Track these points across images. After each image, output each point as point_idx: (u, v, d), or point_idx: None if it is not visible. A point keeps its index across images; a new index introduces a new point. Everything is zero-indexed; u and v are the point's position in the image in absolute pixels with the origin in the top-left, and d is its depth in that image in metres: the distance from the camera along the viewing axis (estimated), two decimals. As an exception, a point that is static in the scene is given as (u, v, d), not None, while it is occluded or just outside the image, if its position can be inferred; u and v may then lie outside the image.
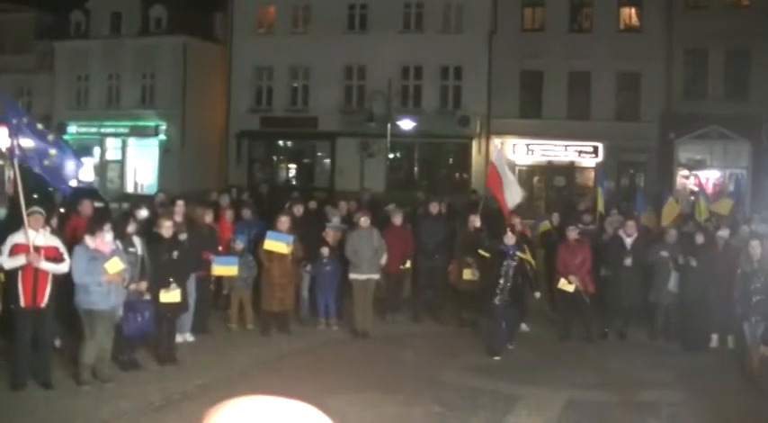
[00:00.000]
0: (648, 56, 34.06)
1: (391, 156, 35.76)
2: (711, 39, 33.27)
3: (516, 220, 14.46)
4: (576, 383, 11.30)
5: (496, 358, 12.39)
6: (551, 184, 36.02)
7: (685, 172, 34.80)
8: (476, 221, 14.70)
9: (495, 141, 32.61)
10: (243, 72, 39.10)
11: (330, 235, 14.36)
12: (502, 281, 12.70)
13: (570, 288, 13.67)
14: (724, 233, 14.31)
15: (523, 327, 14.09)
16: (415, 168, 37.56)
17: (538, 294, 13.86)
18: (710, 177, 33.66)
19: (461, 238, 14.95)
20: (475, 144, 35.55)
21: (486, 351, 12.84)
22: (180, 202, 13.55)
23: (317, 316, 14.39)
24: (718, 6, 33.74)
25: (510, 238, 12.95)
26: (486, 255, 13.75)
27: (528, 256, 13.47)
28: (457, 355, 12.75)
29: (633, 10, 36.22)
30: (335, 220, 15.43)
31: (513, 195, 14.92)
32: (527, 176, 35.95)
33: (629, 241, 14.09)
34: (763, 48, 33.17)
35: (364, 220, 14.14)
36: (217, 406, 1.37)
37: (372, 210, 16.15)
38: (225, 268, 13.53)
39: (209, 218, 13.65)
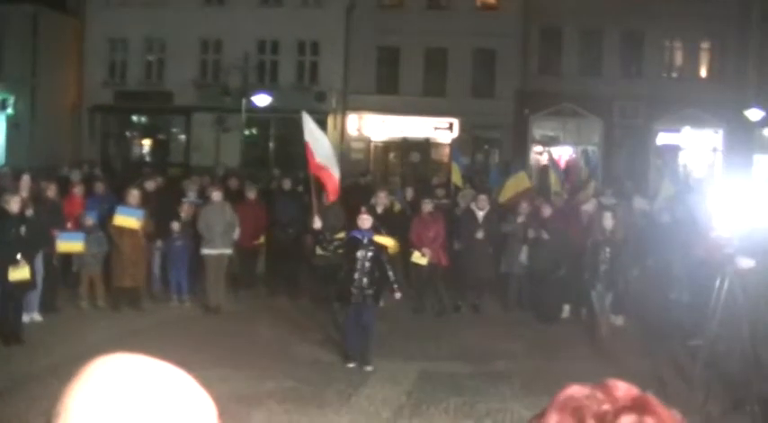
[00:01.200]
0: (504, 34, 34.48)
1: (247, 131, 35.33)
2: (566, 17, 34.01)
3: (382, 195, 14.51)
4: (429, 355, 11.41)
5: (350, 365, 10.83)
6: (407, 159, 36.28)
7: (539, 148, 35.53)
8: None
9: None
10: (96, 44, 37.74)
11: (185, 210, 14.18)
12: (357, 275, 10.94)
13: (423, 261, 13.80)
14: (588, 207, 14.77)
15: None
16: (271, 144, 37.16)
17: (398, 295, 11.51)
18: (563, 153, 34.56)
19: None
20: (331, 119, 35.43)
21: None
22: (25, 177, 13.11)
23: (170, 292, 14.14)
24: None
25: (365, 221, 11.25)
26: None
27: (386, 241, 12.11)
28: (311, 329, 12.71)
29: (490, -12, 36.72)
30: (192, 195, 15.25)
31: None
32: (382, 152, 36.19)
33: (480, 215, 14.30)
34: (615, 27, 34.20)
35: (216, 195, 14.01)
36: (84, 370, 1.29)
37: (225, 184, 16.02)
38: (70, 244, 13.14)
39: (51, 192, 13.23)
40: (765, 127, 34.81)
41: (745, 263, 10.03)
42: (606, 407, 1.26)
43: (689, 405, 8.57)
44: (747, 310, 9.32)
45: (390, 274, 11.13)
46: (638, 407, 1.27)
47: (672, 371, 10.67)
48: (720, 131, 35.66)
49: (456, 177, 17.98)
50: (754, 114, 33.23)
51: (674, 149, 35.85)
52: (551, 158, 25.68)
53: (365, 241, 11.07)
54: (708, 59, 36.43)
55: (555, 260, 13.56)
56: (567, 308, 13.95)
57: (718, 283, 10.09)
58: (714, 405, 9.09)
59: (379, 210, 13.96)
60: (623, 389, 1.30)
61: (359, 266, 10.93)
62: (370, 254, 11.00)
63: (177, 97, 36.53)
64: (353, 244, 11.19)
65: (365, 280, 10.92)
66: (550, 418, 1.28)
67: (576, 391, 1.32)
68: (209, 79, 36.64)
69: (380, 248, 11.33)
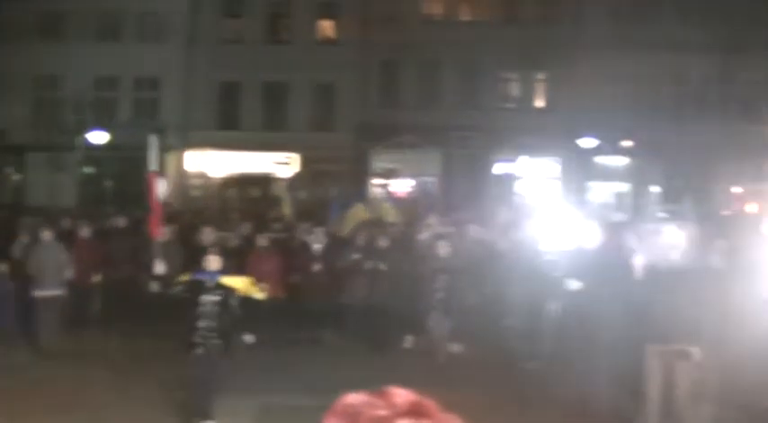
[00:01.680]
0: (343, 67, 34.76)
1: (84, 170, 34.49)
2: (403, 50, 34.48)
3: (207, 231, 14.30)
4: (271, 389, 11.29)
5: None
6: (246, 195, 36.08)
7: (379, 181, 35.92)
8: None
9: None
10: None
11: (17, 250, 13.78)
12: (201, 322, 9.75)
13: (261, 295, 13.69)
14: (424, 236, 14.97)
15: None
16: (108, 182, 36.31)
17: (249, 338, 11.08)
18: (403, 185, 35.01)
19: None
20: (170, 156, 34.96)
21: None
22: None
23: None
24: (411, 20, 35.07)
25: (212, 262, 10.02)
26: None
27: (237, 282, 10.37)
28: (149, 369, 12.41)
29: (330, 22, 36.98)
30: (24, 236, 14.82)
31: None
32: (222, 188, 35.93)
33: (317, 247, 14.36)
34: (452, 59, 34.95)
35: (46, 235, 13.62)
36: None
37: (58, 224, 15.59)
38: None
39: None
40: (598, 155, 36.10)
41: (574, 285, 10.33)
42: (383, 412, 1.31)
43: None
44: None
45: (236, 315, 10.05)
46: (415, 411, 1.31)
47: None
48: (556, 160, 36.77)
49: (286, 209, 17.99)
50: (587, 143, 34.50)
51: (510, 178, 36.77)
52: (387, 190, 25.95)
53: (211, 284, 9.91)
54: (543, 90, 37.58)
55: (393, 290, 13.65)
56: (409, 338, 14.04)
57: (550, 306, 10.40)
58: None
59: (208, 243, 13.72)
60: (402, 395, 1.35)
61: (203, 312, 9.76)
62: (216, 298, 9.83)
63: (10, 135, 35.30)
64: (198, 287, 9.95)
65: (210, 327, 9.75)
66: None
67: (354, 398, 1.37)
68: (44, 117, 35.53)
69: (230, 291, 10.02)
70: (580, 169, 35.62)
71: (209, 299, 9.81)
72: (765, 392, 9.38)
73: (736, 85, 33.80)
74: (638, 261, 9.23)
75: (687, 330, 8.85)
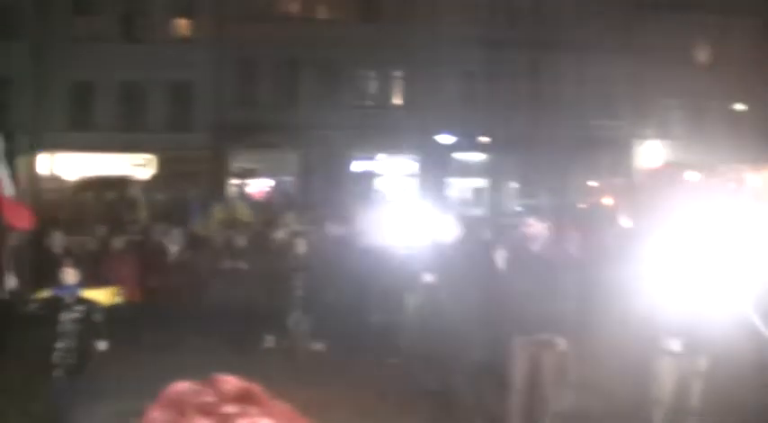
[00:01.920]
0: (200, 65, 34.41)
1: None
2: (261, 48, 34.32)
3: (57, 235, 13.85)
4: (126, 393, 10.92)
5: None
6: (102, 198, 35.20)
7: (237, 180, 35.66)
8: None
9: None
10: None
11: None
12: (60, 342, 8.82)
13: (117, 299, 13.40)
14: (281, 234, 14.89)
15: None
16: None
17: (102, 344, 9.48)
18: (261, 185, 34.82)
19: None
20: (22, 160, 33.82)
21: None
22: None
23: None
24: (269, 17, 34.88)
25: (68, 275, 9.13)
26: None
27: (99, 294, 9.85)
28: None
29: (186, 20, 36.49)
30: None
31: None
32: (76, 192, 34.96)
33: (175, 249, 14.14)
34: (310, 57, 34.88)
35: None
36: None
37: None
38: None
39: None
40: (456, 151, 36.62)
41: (429, 277, 10.44)
42: (210, 399, 1.30)
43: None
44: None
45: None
46: (243, 397, 1.31)
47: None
48: (414, 157, 37.14)
49: (142, 211, 17.71)
50: (444, 139, 34.98)
51: (369, 176, 36.97)
52: (244, 190, 25.77)
53: (71, 300, 8.99)
54: (400, 87, 37.90)
55: (251, 290, 13.54)
56: (270, 337, 13.94)
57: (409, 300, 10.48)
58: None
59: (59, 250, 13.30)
60: (230, 382, 1.35)
61: (62, 331, 8.81)
62: (76, 315, 8.92)
63: None
64: (56, 304, 9.00)
65: (69, 348, 8.86)
66: (151, 414, 1.30)
67: (180, 387, 1.34)
68: None
69: (92, 306, 9.17)
70: (438, 166, 36.07)
71: (69, 316, 8.90)
72: (626, 379, 9.64)
73: (590, 82, 34.78)
74: (499, 254, 9.34)
75: (550, 320, 9.02)
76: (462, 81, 35.02)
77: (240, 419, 1.30)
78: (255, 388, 1.39)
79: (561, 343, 9.24)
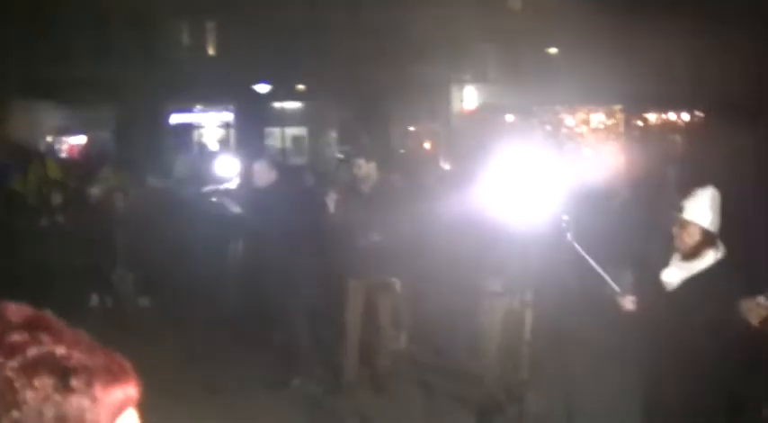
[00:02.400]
0: (6, 20, 32.53)
1: None
2: (70, 1, 32.83)
3: None
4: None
5: None
6: None
7: (50, 138, 34.27)
8: None
9: None
10: None
11: None
12: None
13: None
14: (96, 191, 14.31)
15: None
16: None
17: None
18: (75, 141, 33.65)
19: None
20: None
21: None
22: None
23: None
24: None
25: None
26: None
27: None
28: None
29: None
30: None
31: None
32: None
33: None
34: (119, 7, 33.54)
35: None
36: None
37: None
38: None
39: None
40: (274, 100, 36.26)
41: (236, 208, 10.27)
42: None
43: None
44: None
45: None
46: (31, 325, 1.25)
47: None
48: (232, 107, 36.64)
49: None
50: (262, 88, 34.52)
51: (188, 128, 36.30)
52: (54, 147, 24.89)
53: None
54: (214, 37, 37.12)
55: (71, 247, 12.99)
56: (94, 296, 13.45)
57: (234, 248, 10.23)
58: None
59: None
60: (15, 310, 1.29)
61: None
62: None
63: None
64: None
65: None
66: None
67: None
68: None
69: None
70: (256, 115, 35.66)
71: None
72: (456, 321, 9.71)
73: (405, 28, 34.83)
74: (329, 197, 9.20)
75: (384, 261, 9.00)
76: (278, 29, 34.48)
77: (30, 347, 1.23)
78: (46, 315, 1.32)
79: (396, 284, 9.24)
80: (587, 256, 6.36)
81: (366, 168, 9.34)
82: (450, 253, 9.33)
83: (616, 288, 6.20)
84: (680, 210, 5.88)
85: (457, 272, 9.10)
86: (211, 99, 35.43)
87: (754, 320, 5.22)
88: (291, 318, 9.74)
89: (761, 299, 5.22)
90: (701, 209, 5.83)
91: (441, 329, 10.50)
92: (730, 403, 5.75)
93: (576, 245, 6.45)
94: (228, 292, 12.45)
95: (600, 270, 6.29)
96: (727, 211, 5.87)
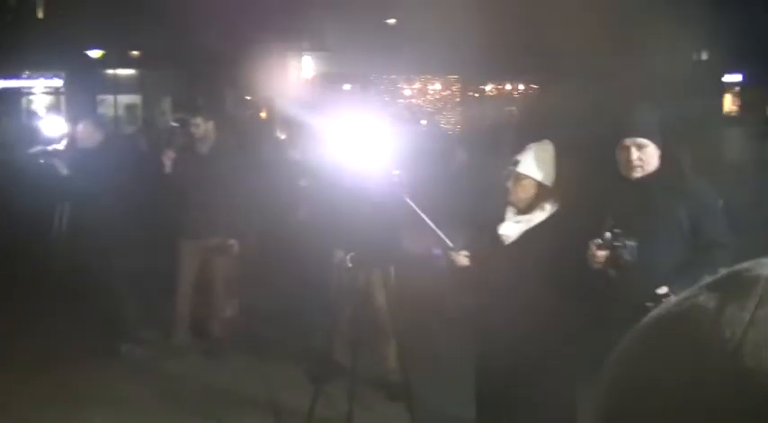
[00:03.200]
0: None
1: None
2: None
3: None
4: None
5: None
6: None
7: None
8: None
9: None
10: None
11: None
12: None
13: None
14: None
15: None
16: None
17: None
18: None
19: None
20: None
21: None
22: None
23: None
24: None
25: None
26: None
27: None
28: None
29: None
30: None
31: None
32: None
33: None
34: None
35: None
36: None
37: None
38: None
39: None
40: (107, 68, 35.16)
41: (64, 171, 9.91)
42: None
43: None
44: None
45: None
46: None
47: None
48: (62, 73, 35.35)
49: None
50: (94, 54, 33.39)
51: (17, 94, 34.88)
52: None
53: None
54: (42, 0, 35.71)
55: None
56: None
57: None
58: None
59: None
60: None
61: None
62: None
63: None
64: None
65: None
66: None
67: None
68: None
69: None
70: (88, 82, 34.46)
71: None
72: (304, 288, 9.52)
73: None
74: (166, 158, 8.91)
75: (220, 223, 8.80)
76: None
77: None
78: None
79: (234, 246, 9.07)
80: (420, 211, 6.30)
81: (204, 127, 9.10)
82: (294, 220, 9.21)
83: (450, 244, 6.14)
84: (514, 164, 5.86)
85: (302, 239, 8.96)
86: (40, 64, 34.05)
87: (597, 261, 5.26)
88: (117, 282, 9.38)
89: (598, 241, 5.27)
90: (535, 163, 5.82)
91: (284, 298, 10.32)
92: (571, 356, 5.75)
93: (410, 201, 6.39)
94: (56, 256, 11.91)
95: (433, 225, 6.22)
96: (562, 167, 5.90)
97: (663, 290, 5.11)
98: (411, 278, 8.21)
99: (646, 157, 5.44)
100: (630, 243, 5.21)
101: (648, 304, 4.99)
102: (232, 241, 9.05)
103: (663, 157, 5.50)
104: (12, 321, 9.70)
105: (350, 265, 7.51)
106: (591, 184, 6.19)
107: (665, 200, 5.38)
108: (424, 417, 7.10)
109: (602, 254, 5.26)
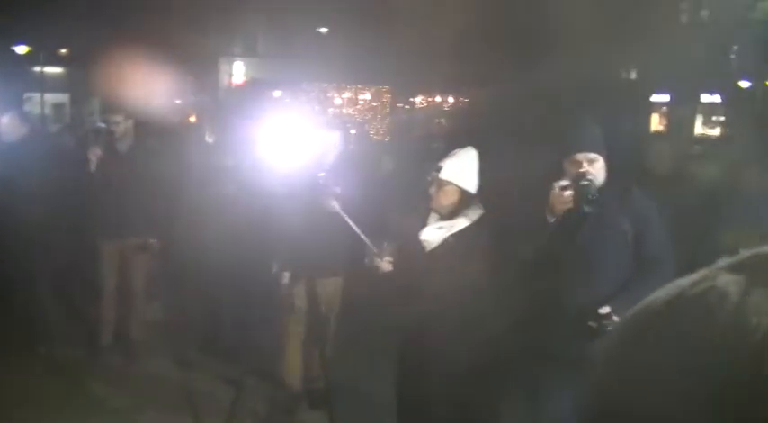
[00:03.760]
0: None
1: None
2: None
3: None
4: None
5: None
6: None
7: None
8: None
9: None
10: None
11: None
12: None
13: None
14: None
15: None
16: None
17: None
18: None
19: None
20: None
21: None
22: None
23: None
24: None
25: None
26: None
27: None
28: None
29: None
30: None
31: None
32: None
33: None
34: None
35: None
36: None
37: None
38: None
39: None
40: (34, 65, 34.58)
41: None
42: None
43: None
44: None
45: None
46: None
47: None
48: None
49: None
50: (21, 50, 32.83)
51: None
52: None
53: None
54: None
55: None
56: None
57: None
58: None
59: None
60: None
61: None
62: None
63: None
64: None
65: None
66: None
67: None
68: None
69: None
70: (14, 79, 33.79)
71: None
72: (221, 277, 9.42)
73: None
74: (93, 154, 8.78)
75: (139, 222, 8.71)
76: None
77: None
78: None
79: (154, 245, 8.98)
80: (345, 215, 6.34)
81: (124, 126, 9.01)
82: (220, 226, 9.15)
83: (374, 249, 6.19)
84: (437, 170, 5.92)
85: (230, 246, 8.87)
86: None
87: (564, 202, 5.27)
88: (36, 280, 9.23)
89: (562, 182, 5.30)
90: (459, 169, 5.89)
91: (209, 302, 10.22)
92: (499, 361, 5.81)
93: (336, 204, 6.43)
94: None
95: (358, 230, 6.27)
96: (486, 175, 5.98)
97: (605, 309, 5.05)
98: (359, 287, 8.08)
99: (595, 170, 5.42)
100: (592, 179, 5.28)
101: (591, 324, 5.07)
102: (152, 241, 8.97)
103: (608, 171, 5.51)
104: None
105: (286, 281, 7.46)
106: (516, 186, 6.27)
107: (612, 213, 5.36)
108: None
109: (568, 194, 5.25)
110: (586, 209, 5.21)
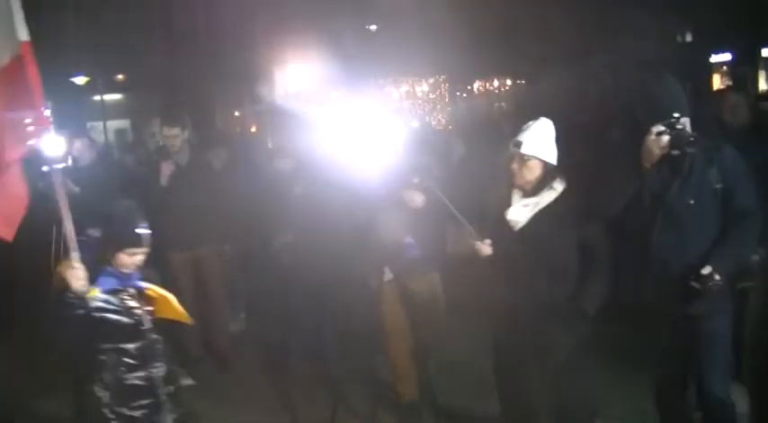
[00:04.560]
0: None
1: None
2: None
3: None
4: None
5: None
6: None
7: None
8: None
9: None
10: None
11: None
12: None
13: None
14: None
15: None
16: None
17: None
18: None
19: None
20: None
21: None
22: None
23: None
24: None
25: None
26: None
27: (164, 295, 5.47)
28: None
29: None
30: None
31: None
32: None
33: None
34: None
35: None
36: None
37: None
38: None
39: None
40: (94, 94, 34.95)
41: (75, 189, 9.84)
42: None
43: None
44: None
45: None
46: None
47: None
48: (49, 103, 35.04)
49: None
50: (80, 80, 33.21)
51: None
52: None
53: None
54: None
55: None
56: None
57: None
58: None
59: None
60: None
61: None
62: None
63: None
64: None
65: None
66: None
67: None
68: None
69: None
70: (76, 109, 34.27)
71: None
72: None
73: (222, 15, 34.17)
74: (166, 167, 8.80)
75: (206, 233, 8.70)
76: (89, 15, 33.10)
77: None
78: None
79: (225, 252, 9.03)
80: (448, 202, 6.15)
81: (180, 138, 9.00)
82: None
83: (474, 234, 5.97)
84: (516, 145, 5.72)
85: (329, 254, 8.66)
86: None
87: (661, 147, 5.25)
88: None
89: (659, 128, 5.27)
90: (539, 142, 5.68)
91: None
92: (586, 344, 5.67)
93: (439, 193, 6.29)
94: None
95: (459, 216, 6.06)
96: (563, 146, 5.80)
97: (707, 269, 4.92)
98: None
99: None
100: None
101: (694, 284, 4.96)
102: (224, 247, 9.02)
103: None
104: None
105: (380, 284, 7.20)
106: (591, 169, 6.08)
107: (700, 170, 5.24)
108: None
109: (666, 138, 5.17)
110: (689, 150, 5.14)
